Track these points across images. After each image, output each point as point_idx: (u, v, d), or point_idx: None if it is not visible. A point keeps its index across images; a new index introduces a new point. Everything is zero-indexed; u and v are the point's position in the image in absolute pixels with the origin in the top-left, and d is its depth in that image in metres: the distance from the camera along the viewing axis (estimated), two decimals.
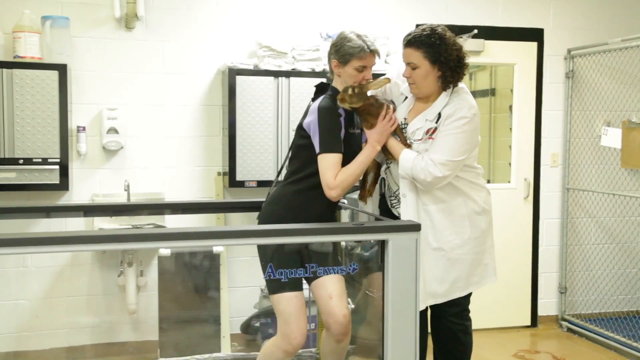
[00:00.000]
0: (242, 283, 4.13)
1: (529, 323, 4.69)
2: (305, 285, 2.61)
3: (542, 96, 4.63)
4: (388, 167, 2.71)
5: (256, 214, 3.70)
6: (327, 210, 2.60)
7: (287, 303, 2.48)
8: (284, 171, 2.73)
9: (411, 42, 2.54)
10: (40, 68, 3.57)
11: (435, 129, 2.54)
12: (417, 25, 4.29)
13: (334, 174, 2.44)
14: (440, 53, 2.49)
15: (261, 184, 3.89)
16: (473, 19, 4.45)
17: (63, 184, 3.65)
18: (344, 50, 2.53)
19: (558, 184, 4.71)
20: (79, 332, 3.94)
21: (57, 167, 3.62)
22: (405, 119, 2.67)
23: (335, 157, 2.46)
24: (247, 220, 4.00)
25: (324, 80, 2.76)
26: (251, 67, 3.89)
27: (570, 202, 4.69)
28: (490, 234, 2.73)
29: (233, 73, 3.83)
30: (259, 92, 3.87)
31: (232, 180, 3.88)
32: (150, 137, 4.00)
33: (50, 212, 3.24)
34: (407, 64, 2.56)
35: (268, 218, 2.60)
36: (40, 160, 3.59)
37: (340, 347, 2.65)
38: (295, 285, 2.50)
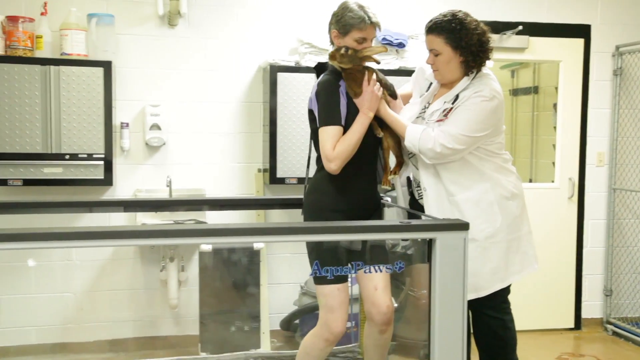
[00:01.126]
0: (282, 280, 4.13)
1: (572, 325, 4.59)
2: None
3: (589, 94, 4.52)
4: (414, 155, 2.64)
5: (296, 210, 3.73)
6: (367, 187, 2.59)
7: (331, 294, 2.48)
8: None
9: (432, 28, 2.52)
10: (86, 65, 3.63)
11: (451, 109, 2.49)
12: None
13: (332, 145, 2.44)
14: (461, 38, 2.46)
15: (302, 180, 3.87)
16: (517, 15, 4.36)
17: (107, 180, 3.71)
18: (344, 21, 2.51)
19: (604, 184, 4.59)
20: (121, 325, 4.00)
21: (101, 162, 3.68)
22: (429, 103, 2.63)
23: (334, 130, 2.45)
24: (287, 217, 4.00)
25: (324, 61, 2.68)
26: (292, 64, 3.88)
27: (616, 203, 4.57)
28: (525, 220, 2.63)
29: (274, 70, 3.83)
30: (299, 89, 3.86)
31: (272, 177, 3.88)
32: (191, 133, 4.03)
33: (93, 207, 3.30)
34: (430, 50, 2.55)
35: (310, 208, 2.61)
36: (85, 155, 3.65)
37: (383, 339, 2.63)
38: (340, 278, 2.49)
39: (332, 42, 2.61)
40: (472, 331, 2.79)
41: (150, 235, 2.04)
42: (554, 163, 4.61)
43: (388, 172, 2.67)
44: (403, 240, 2.62)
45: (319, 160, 2.59)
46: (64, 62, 3.60)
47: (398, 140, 2.63)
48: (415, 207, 2.72)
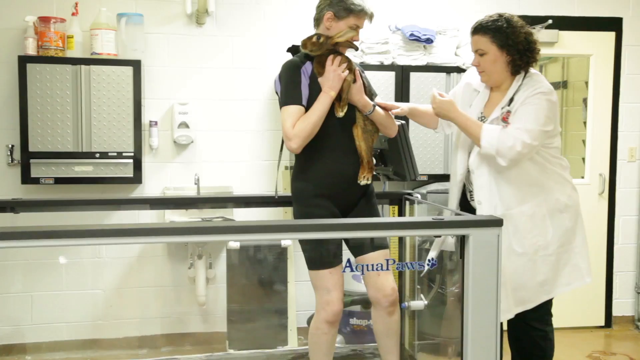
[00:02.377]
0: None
1: (602, 323, 4.52)
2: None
3: (620, 88, 4.44)
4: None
5: None
6: (349, 170, 2.53)
7: (325, 277, 2.50)
8: None
9: (478, 28, 2.51)
10: (116, 64, 3.67)
11: (509, 112, 2.46)
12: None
13: (291, 124, 2.41)
14: (507, 36, 2.44)
15: None
16: (547, 9, 4.30)
17: (136, 178, 3.74)
18: (345, 5, 2.48)
19: (636, 179, 4.51)
20: (150, 322, 4.04)
21: (131, 161, 3.71)
22: (482, 113, 2.61)
23: (293, 109, 2.43)
24: None
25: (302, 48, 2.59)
26: None
27: None
28: (579, 232, 2.59)
29: None
30: None
31: None
32: (219, 131, 4.05)
33: (122, 204, 3.33)
34: (475, 51, 2.53)
35: (295, 196, 2.58)
36: (115, 154, 3.69)
37: (393, 321, 2.64)
38: (333, 262, 2.51)
39: (316, 23, 2.56)
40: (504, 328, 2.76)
41: (179, 232, 2.05)
42: (583, 159, 4.54)
43: (364, 169, 2.56)
44: (436, 236, 2.59)
45: None
46: (95, 61, 3.64)
47: (370, 145, 2.58)
48: (466, 207, 2.67)
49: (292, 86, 2.45)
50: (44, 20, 3.60)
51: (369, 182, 2.58)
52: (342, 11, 2.49)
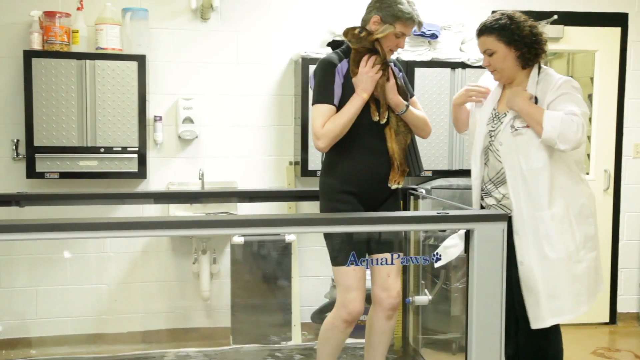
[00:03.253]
0: (313, 272, 4.14)
1: (607, 320, 4.51)
2: None
3: (625, 84, 4.42)
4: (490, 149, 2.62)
5: None
6: (378, 171, 2.56)
7: (348, 274, 2.50)
8: None
9: (483, 30, 2.56)
10: (121, 59, 3.67)
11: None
12: (493, 12, 4.23)
13: (321, 123, 2.44)
14: (513, 32, 2.48)
15: None
16: (552, 4, 4.28)
17: (141, 173, 3.75)
18: (393, 11, 2.49)
19: None
20: (154, 317, 4.05)
21: (135, 155, 3.72)
22: (495, 109, 2.63)
23: (325, 108, 2.46)
24: (318, 210, 3.99)
25: (337, 38, 2.71)
26: (324, 56, 3.86)
27: None
28: (597, 235, 2.59)
29: (306, 62, 3.82)
30: None
31: (304, 170, 3.88)
32: (223, 126, 4.05)
33: (126, 198, 3.35)
34: (484, 52, 2.57)
35: (322, 191, 2.62)
36: (119, 149, 3.69)
37: (389, 326, 2.65)
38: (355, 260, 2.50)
39: (364, 24, 2.58)
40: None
41: (184, 226, 2.05)
42: (588, 155, 4.53)
43: (395, 172, 2.61)
44: (440, 231, 2.59)
45: None
46: (99, 56, 3.64)
47: (403, 147, 2.62)
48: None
49: (325, 85, 2.47)
50: (50, 15, 3.60)
51: (400, 186, 2.62)
52: (390, 17, 2.50)
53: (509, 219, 2.31)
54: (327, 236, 2.58)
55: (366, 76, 2.46)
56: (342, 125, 2.45)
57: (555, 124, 2.37)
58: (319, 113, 2.46)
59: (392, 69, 2.58)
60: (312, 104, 2.51)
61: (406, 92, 2.64)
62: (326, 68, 2.50)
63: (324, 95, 2.47)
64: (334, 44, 2.69)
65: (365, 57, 2.48)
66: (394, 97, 2.55)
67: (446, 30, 4.00)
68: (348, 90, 2.49)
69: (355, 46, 2.49)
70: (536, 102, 2.50)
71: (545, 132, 2.39)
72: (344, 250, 2.50)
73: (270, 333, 3.83)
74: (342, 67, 2.51)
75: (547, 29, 4.20)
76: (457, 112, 2.83)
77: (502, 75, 2.58)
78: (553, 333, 2.62)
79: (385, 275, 2.60)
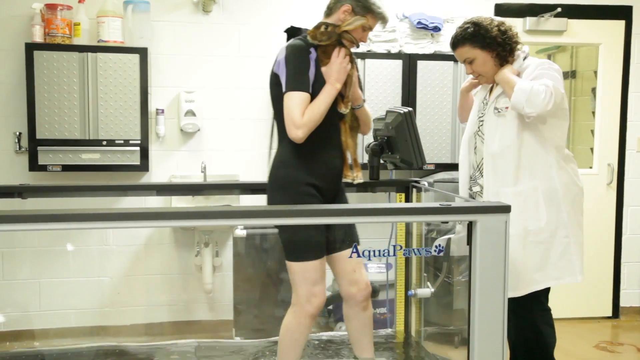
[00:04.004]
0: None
1: (610, 314, 4.51)
2: None
3: (629, 78, 4.40)
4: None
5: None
6: (337, 163, 2.54)
7: (313, 268, 2.46)
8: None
9: (456, 42, 2.65)
10: (122, 52, 3.66)
11: None
12: (497, 5, 4.22)
13: (301, 111, 2.34)
14: (483, 36, 2.56)
15: None
16: None
17: (143, 165, 3.74)
18: (365, 4, 2.47)
19: None
20: (157, 310, 4.06)
21: (137, 148, 3.71)
22: (486, 97, 2.70)
23: (303, 96, 2.36)
24: None
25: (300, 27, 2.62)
26: None
27: None
28: (577, 228, 2.59)
29: None
30: None
31: None
32: (225, 119, 4.04)
33: (128, 190, 3.34)
34: (464, 62, 2.66)
35: (279, 183, 2.48)
36: (122, 142, 3.69)
37: (367, 317, 2.65)
38: (319, 253, 2.48)
39: (328, 12, 2.53)
40: None
41: (185, 216, 2.04)
42: (592, 149, 4.51)
43: (357, 167, 2.65)
44: (443, 222, 2.58)
45: (283, 130, 2.46)
46: (101, 49, 3.64)
47: (356, 142, 2.66)
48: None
49: (301, 71, 2.39)
50: (51, 7, 3.59)
51: (362, 181, 2.62)
52: (361, 8, 2.47)
53: None
54: (288, 232, 2.49)
55: (340, 66, 2.42)
56: (320, 114, 2.38)
57: (526, 88, 2.42)
58: (296, 101, 2.35)
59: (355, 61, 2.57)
60: (287, 91, 2.37)
61: (362, 87, 2.65)
62: (302, 54, 2.40)
63: (300, 83, 2.37)
64: (292, 31, 2.59)
65: (338, 48, 2.44)
66: (356, 90, 2.54)
67: (449, 23, 3.99)
68: (318, 79, 2.42)
69: (326, 43, 2.42)
70: None
71: (515, 95, 2.44)
72: (309, 244, 2.44)
73: (273, 326, 3.82)
74: (313, 54, 2.44)
75: (551, 22, 4.20)
76: (463, 100, 2.90)
77: (487, 78, 2.65)
78: (543, 324, 2.62)
79: (351, 271, 2.59)
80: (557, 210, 2.54)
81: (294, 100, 2.36)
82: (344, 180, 2.63)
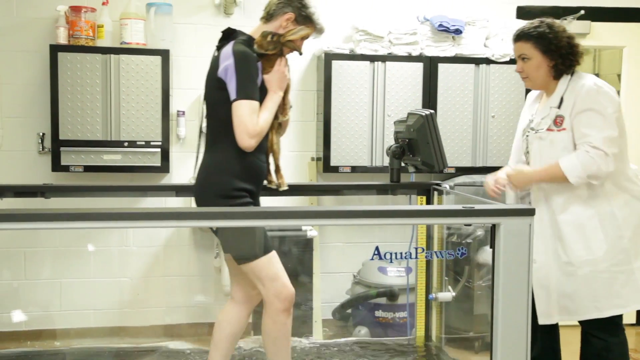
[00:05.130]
0: (334, 269, 4.12)
1: (634, 321, 4.43)
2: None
3: None
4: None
5: (348, 197, 3.69)
6: (264, 169, 2.55)
7: (272, 262, 2.44)
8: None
9: (520, 35, 2.56)
10: (145, 54, 3.68)
11: (563, 117, 2.45)
12: (519, 8, 4.19)
13: (254, 121, 2.32)
14: (550, 42, 2.48)
15: (355, 169, 3.86)
16: (579, 0, 4.21)
17: (164, 167, 3.76)
18: (309, 16, 2.49)
19: None
20: (175, 311, 4.07)
21: (158, 150, 3.73)
22: (532, 115, 2.65)
23: (254, 105, 2.34)
24: (339, 203, 3.98)
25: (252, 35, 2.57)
26: (347, 52, 3.86)
27: None
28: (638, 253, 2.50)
29: (329, 58, 3.81)
30: (354, 77, 3.84)
31: (326, 166, 3.87)
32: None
33: (148, 191, 3.37)
34: (518, 56, 2.59)
35: (213, 190, 2.43)
36: (143, 143, 3.71)
37: (246, 322, 2.69)
38: (268, 247, 2.47)
39: (268, 17, 2.51)
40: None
41: (204, 217, 2.07)
42: None
43: (281, 175, 2.67)
44: (466, 225, 2.56)
45: (219, 135, 2.45)
46: (124, 50, 3.66)
47: (280, 147, 2.67)
48: None
49: (252, 80, 2.38)
50: (75, 9, 3.63)
51: (287, 188, 2.66)
52: (304, 18, 2.49)
53: None
54: (233, 235, 2.45)
55: (282, 75, 2.45)
56: (269, 123, 2.39)
57: (577, 170, 2.37)
58: (249, 110, 2.33)
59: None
60: (239, 99, 2.33)
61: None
62: (252, 62, 2.38)
63: (252, 91, 2.36)
64: (228, 32, 2.55)
65: (279, 59, 2.46)
66: (289, 98, 2.57)
67: (470, 26, 3.96)
68: (261, 87, 2.43)
69: (273, 52, 2.44)
70: (560, 104, 2.48)
71: (574, 182, 2.39)
72: (259, 241, 2.43)
73: (292, 329, 3.81)
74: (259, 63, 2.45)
75: (574, 25, 4.15)
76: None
77: (533, 83, 2.60)
78: (617, 345, 2.53)
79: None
80: (617, 237, 2.45)
81: (247, 109, 2.34)
82: (268, 185, 2.64)
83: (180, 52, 3.93)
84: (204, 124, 2.59)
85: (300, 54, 2.55)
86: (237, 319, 2.63)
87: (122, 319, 4.02)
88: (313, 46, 4.02)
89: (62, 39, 3.64)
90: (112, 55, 3.64)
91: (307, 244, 3.84)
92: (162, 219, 2.05)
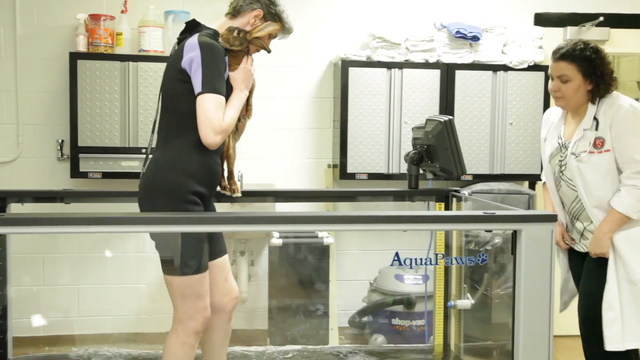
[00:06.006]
0: (351, 276, 4.11)
1: None
2: None
3: None
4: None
5: (365, 204, 3.67)
6: (218, 169, 2.39)
7: (201, 282, 2.30)
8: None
9: (565, 55, 2.49)
10: (162, 61, 3.67)
11: (603, 139, 2.43)
12: (537, 15, 4.17)
13: (221, 116, 2.17)
14: (595, 67, 2.45)
15: (372, 176, 3.85)
16: (598, 6, 4.19)
17: None
18: (277, 14, 2.41)
19: None
20: None
21: None
22: (560, 137, 2.60)
23: (221, 100, 2.20)
24: (355, 209, 3.97)
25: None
26: (364, 59, 3.86)
27: None
28: None
29: (345, 65, 3.81)
30: (371, 84, 3.84)
31: (342, 173, 3.87)
32: (262, 129, 4.05)
33: None
34: (558, 76, 2.52)
35: (166, 189, 2.25)
36: None
37: (229, 327, 2.61)
38: (205, 266, 2.33)
39: (235, 13, 2.41)
40: None
41: (220, 221, 2.09)
42: None
43: (234, 181, 2.55)
44: (487, 231, 2.53)
45: (174, 131, 2.29)
46: (142, 58, 3.69)
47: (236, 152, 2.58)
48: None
49: (220, 74, 2.23)
50: (95, 17, 3.67)
51: (241, 195, 2.56)
52: (272, 16, 2.41)
53: None
54: (171, 243, 2.31)
55: (248, 73, 2.35)
56: (234, 121, 2.27)
57: (635, 207, 2.38)
58: (215, 105, 2.17)
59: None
60: (204, 92, 2.17)
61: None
62: (220, 55, 2.24)
63: (219, 85, 2.21)
64: (192, 24, 2.41)
65: (245, 57, 2.37)
66: (252, 100, 2.50)
67: (488, 33, 3.95)
68: (227, 84, 2.32)
69: (238, 48, 2.34)
70: (597, 126, 2.46)
71: (638, 217, 2.41)
72: (197, 256, 2.28)
73: (307, 336, 3.80)
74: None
75: (593, 31, 4.13)
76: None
77: (567, 104, 2.55)
78: None
79: (223, 280, 2.51)
80: None
81: (213, 104, 2.18)
82: (222, 192, 2.53)
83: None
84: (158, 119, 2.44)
85: (269, 52, 2.44)
86: (217, 328, 2.55)
87: (138, 325, 4.02)
88: (329, 53, 4.04)
89: (82, 47, 3.68)
90: (131, 63, 3.67)
91: (323, 251, 3.83)
92: (179, 224, 2.05)
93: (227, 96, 2.30)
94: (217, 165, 2.38)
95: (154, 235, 2.41)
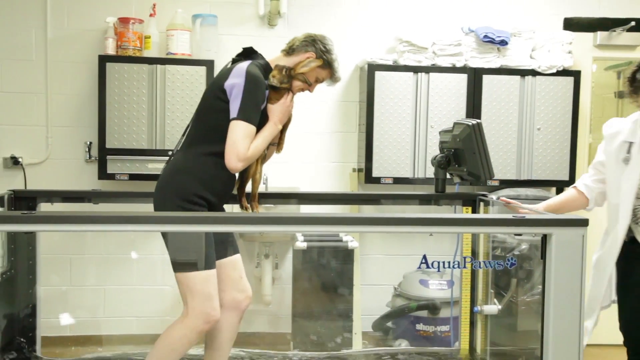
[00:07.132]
0: (375, 281, 4.09)
1: None
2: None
3: None
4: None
5: (390, 207, 3.65)
6: (232, 185, 2.50)
7: (209, 281, 2.36)
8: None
9: None
10: (190, 64, 3.74)
11: None
12: (566, 20, 4.12)
13: (247, 145, 2.30)
14: None
15: (398, 180, 3.83)
16: (628, 11, 4.13)
17: None
18: (329, 61, 2.49)
19: None
20: None
21: None
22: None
23: (251, 129, 2.32)
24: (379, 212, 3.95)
25: (252, 48, 2.61)
26: (390, 63, 3.85)
27: None
28: None
29: (372, 69, 3.81)
30: (397, 88, 3.82)
31: (368, 177, 3.86)
32: (288, 132, 4.05)
33: None
34: None
35: (172, 187, 2.37)
36: None
37: (238, 327, 2.63)
38: (213, 264, 2.40)
39: (290, 51, 2.52)
40: None
41: (244, 222, 2.09)
42: None
43: (256, 200, 2.62)
44: (516, 235, 2.50)
45: (198, 139, 2.41)
46: (170, 61, 3.73)
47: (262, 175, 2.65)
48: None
49: (257, 104, 2.37)
50: (124, 21, 3.72)
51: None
52: (323, 63, 2.49)
53: None
54: (179, 240, 2.41)
55: (286, 109, 2.46)
56: (260, 152, 2.39)
57: None
58: (247, 133, 2.31)
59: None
60: (238, 119, 2.30)
61: None
62: (261, 87, 2.37)
63: (254, 115, 2.34)
64: (248, 51, 2.56)
65: (286, 94, 2.47)
66: (285, 135, 2.60)
67: (516, 37, 3.91)
68: (263, 114, 2.42)
69: (284, 85, 2.45)
70: None
71: None
72: (203, 253, 2.36)
73: (331, 340, 3.79)
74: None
75: (623, 37, 4.07)
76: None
77: None
78: None
79: (238, 277, 2.58)
80: None
81: (243, 132, 2.31)
82: (244, 211, 2.61)
83: (225, 63, 3.96)
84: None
85: (311, 90, 2.55)
86: (227, 326, 2.58)
87: (163, 326, 4.00)
88: (355, 57, 4.03)
89: (111, 50, 3.72)
90: (159, 66, 3.71)
91: (347, 255, 3.81)
92: (204, 223, 2.06)
93: (261, 125, 2.41)
94: (230, 179, 2.47)
95: (163, 234, 2.47)
